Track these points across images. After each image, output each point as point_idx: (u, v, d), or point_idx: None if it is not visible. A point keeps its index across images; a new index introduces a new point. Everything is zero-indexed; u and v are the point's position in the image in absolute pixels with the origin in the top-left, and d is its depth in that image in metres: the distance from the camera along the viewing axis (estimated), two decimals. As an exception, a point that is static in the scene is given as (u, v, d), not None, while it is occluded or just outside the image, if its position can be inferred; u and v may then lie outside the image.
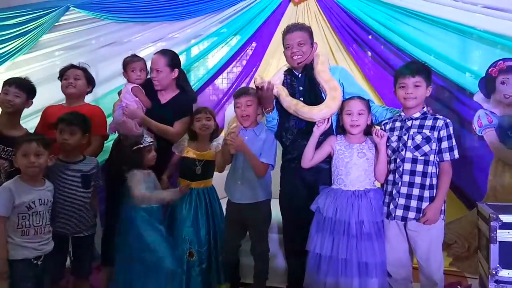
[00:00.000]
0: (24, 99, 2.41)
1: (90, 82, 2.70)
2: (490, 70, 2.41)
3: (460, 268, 2.47)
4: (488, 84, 2.39)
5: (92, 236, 2.23)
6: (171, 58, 2.64)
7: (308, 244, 2.12)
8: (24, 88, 2.39)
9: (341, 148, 2.14)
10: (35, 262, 1.87)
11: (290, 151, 2.31)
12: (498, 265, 1.58)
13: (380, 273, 2.02)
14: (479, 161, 2.63)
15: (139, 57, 2.73)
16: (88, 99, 2.82)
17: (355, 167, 2.09)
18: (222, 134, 2.55)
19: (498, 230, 1.58)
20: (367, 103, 2.15)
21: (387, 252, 2.03)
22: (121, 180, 2.34)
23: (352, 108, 2.10)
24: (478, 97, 2.45)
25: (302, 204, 2.20)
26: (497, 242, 1.58)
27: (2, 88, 2.40)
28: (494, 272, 1.59)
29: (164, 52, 2.67)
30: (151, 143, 2.29)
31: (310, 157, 2.17)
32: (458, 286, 2.46)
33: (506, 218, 1.58)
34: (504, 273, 1.58)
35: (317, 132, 2.17)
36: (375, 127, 2.18)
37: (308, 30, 2.32)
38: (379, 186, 2.18)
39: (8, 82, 2.38)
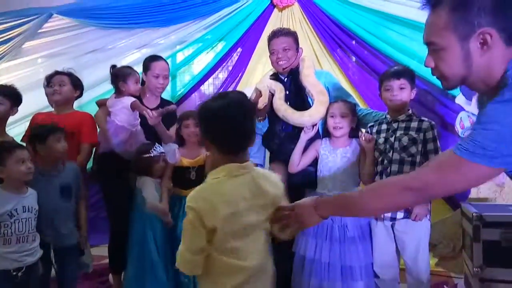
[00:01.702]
0: (9, 107, 2.36)
1: (77, 87, 2.64)
2: (470, 73, 2.46)
3: (446, 268, 2.50)
4: (469, 86, 2.45)
5: (75, 246, 2.17)
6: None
7: (294, 245, 2.13)
8: (9, 96, 2.35)
9: (325, 152, 2.16)
10: (14, 273, 1.82)
11: (277, 156, 2.32)
12: (482, 263, 1.61)
13: (365, 275, 2.03)
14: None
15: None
16: (74, 105, 2.80)
17: (339, 171, 2.10)
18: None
19: (482, 229, 1.61)
20: (352, 106, 2.18)
21: (375, 253, 2.05)
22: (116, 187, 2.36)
23: (335, 110, 2.13)
24: (460, 100, 2.51)
25: None
26: (481, 241, 1.61)
27: None
28: (478, 271, 1.61)
29: (165, 59, 2.68)
30: (160, 154, 2.28)
31: (297, 162, 2.18)
32: (444, 286, 2.49)
33: (489, 217, 1.61)
34: (489, 271, 1.61)
35: (304, 137, 2.19)
36: (361, 131, 2.21)
37: (293, 35, 2.33)
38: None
39: None
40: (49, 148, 2.07)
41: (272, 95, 2.30)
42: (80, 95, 2.70)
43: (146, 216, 2.29)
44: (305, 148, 2.22)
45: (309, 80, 2.27)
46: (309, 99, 2.29)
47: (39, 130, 2.14)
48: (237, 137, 1.17)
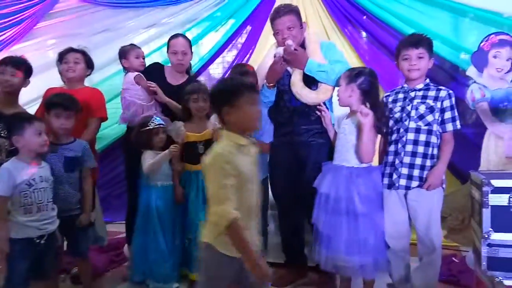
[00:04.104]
0: (22, 78, 2.40)
1: (90, 65, 2.69)
2: (482, 44, 2.43)
3: (454, 240, 2.51)
4: (480, 58, 2.41)
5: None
6: (190, 42, 2.71)
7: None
8: (21, 67, 2.39)
9: (343, 126, 2.12)
10: (37, 241, 1.89)
11: (285, 127, 2.32)
12: (490, 228, 1.62)
13: (371, 250, 1.99)
14: (473, 137, 2.67)
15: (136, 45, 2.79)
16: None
17: (340, 143, 2.08)
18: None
19: (490, 195, 1.61)
20: (361, 80, 2.09)
21: (387, 223, 2.04)
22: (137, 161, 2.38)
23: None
24: (471, 72, 2.47)
25: (296, 178, 2.22)
26: (489, 207, 1.62)
27: None
28: (486, 236, 1.62)
29: (185, 36, 2.74)
30: (159, 126, 2.31)
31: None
32: (453, 258, 2.50)
33: (497, 183, 1.61)
34: (496, 236, 1.62)
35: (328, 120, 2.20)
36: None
37: (295, 12, 2.28)
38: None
39: (4, 62, 2.36)
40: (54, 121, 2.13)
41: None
42: (90, 73, 2.75)
43: (151, 189, 2.34)
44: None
45: (315, 58, 2.23)
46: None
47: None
48: None
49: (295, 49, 2.18)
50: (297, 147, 2.28)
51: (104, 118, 2.61)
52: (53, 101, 2.18)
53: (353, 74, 2.04)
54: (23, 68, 2.39)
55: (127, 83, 2.59)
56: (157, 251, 2.28)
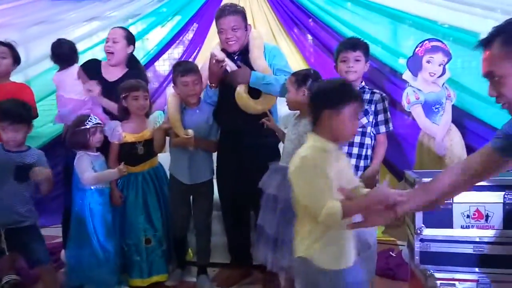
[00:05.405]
0: None
1: (16, 60, 2.53)
2: (417, 50, 2.57)
3: (392, 235, 2.63)
4: (415, 63, 2.55)
5: (33, 226, 2.07)
6: (129, 33, 2.58)
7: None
8: None
9: (296, 127, 2.11)
10: None
11: (229, 128, 2.31)
12: (422, 225, 1.72)
13: None
14: (408, 137, 2.82)
15: None
16: (19, 80, 2.67)
17: (288, 144, 2.11)
18: (162, 112, 2.46)
19: (422, 193, 1.70)
20: (299, 78, 2.12)
21: None
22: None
23: None
24: (407, 76, 2.61)
25: (241, 178, 2.22)
26: (421, 204, 1.71)
27: None
28: (419, 232, 1.72)
29: (123, 27, 2.64)
30: (96, 125, 2.20)
31: None
32: (390, 253, 2.63)
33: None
34: (428, 232, 1.72)
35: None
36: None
37: (241, 13, 2.25)
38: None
39: None
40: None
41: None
42: (15, 68, 2.59)
43: (85, 191, 2.22)
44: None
45: (259, 63, 2.22)
46: None
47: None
48: None
49: (238, 66, 2.16)
50: (243, 147, 2.26)
51: (34, 116, 2.45)
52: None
53: (300, 78, 2.01)
54: None
55: (68, 77, 2.42)
56: (91, 256, 2.17)
